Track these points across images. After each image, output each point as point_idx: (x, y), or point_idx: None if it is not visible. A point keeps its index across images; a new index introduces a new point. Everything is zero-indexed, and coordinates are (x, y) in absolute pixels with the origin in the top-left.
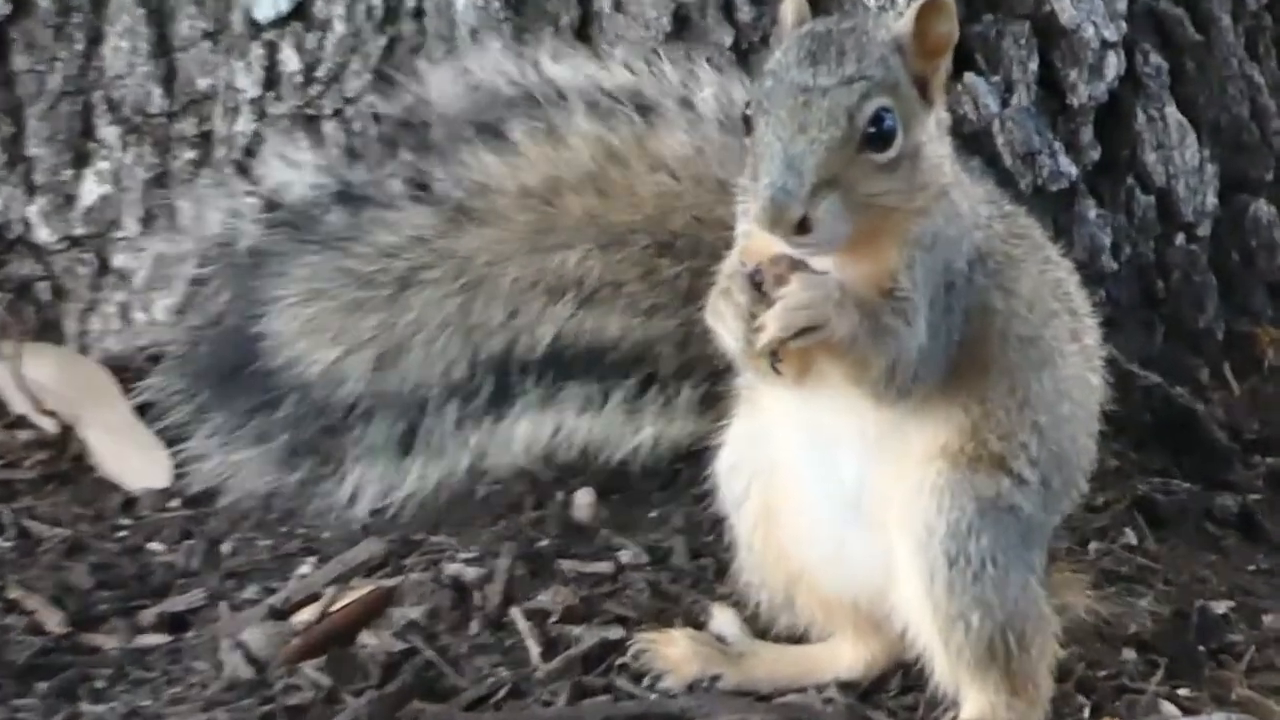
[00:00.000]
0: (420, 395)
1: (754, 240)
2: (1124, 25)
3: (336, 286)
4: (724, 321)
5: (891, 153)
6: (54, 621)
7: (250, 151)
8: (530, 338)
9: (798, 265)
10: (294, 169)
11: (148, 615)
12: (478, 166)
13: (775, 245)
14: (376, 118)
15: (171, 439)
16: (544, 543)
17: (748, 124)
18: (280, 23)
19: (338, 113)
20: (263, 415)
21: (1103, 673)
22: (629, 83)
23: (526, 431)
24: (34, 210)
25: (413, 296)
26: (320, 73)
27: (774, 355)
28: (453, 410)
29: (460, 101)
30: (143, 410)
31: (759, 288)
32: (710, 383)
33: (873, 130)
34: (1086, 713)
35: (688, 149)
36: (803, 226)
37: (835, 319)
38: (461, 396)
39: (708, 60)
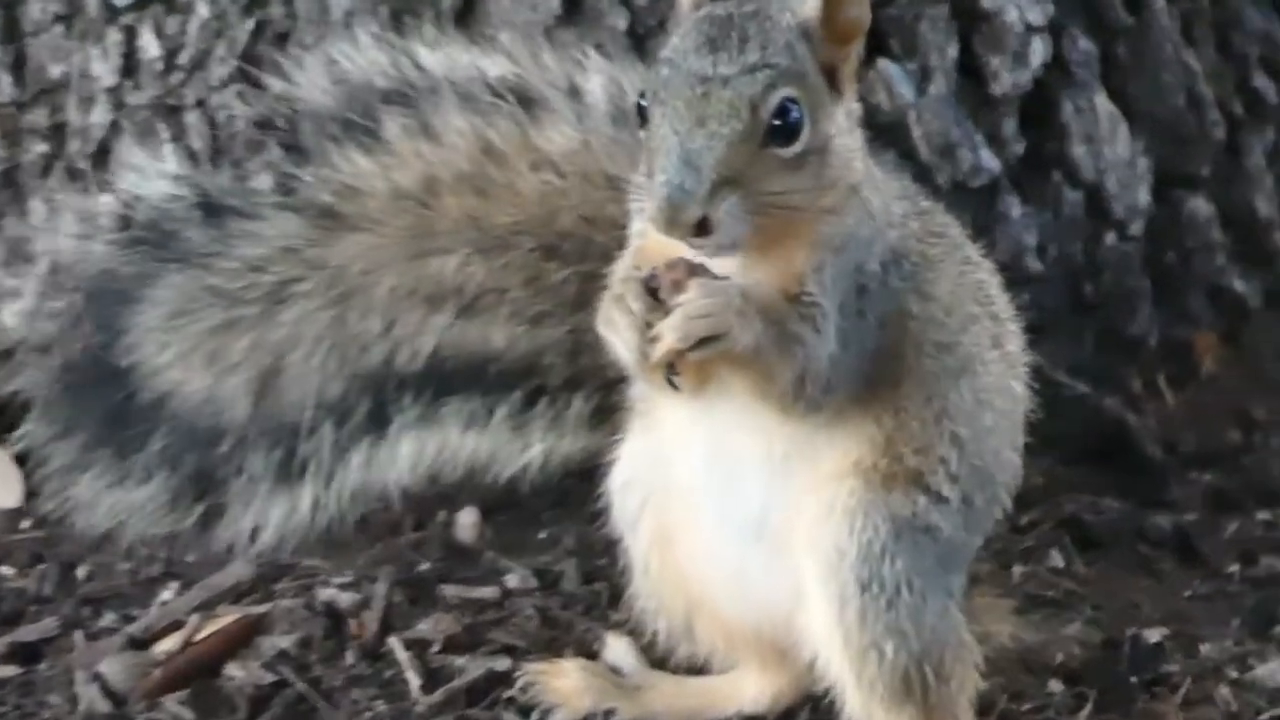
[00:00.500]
0: (296, 418)
1: (649, 241)
2: (1050, 8)
3: (203, 307)
4: (617, 331)
5: (798, 147)
6: None
7: (106, 147)
8: (409, 350)
9: (697, 269)
10: (149, 180)
11: None
12: (348, 168)
13: (672, 247)
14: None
15: (56, 488)
16: (424, 566)
17: (642, 116)
18: (139, 6)
19: (201, 103)
20: (141, 453)
21: (1027, 706)
22: (510, 73)
23: (409, 451)
24: None
25: (284, 312)
26: (182, 60)
27: (671, 367)
28: (329, 432)
29: (327, 97)
30: (22, 460)
31: (655, 294)
32: (603, 394)
33: (777, 123)
34: None
35: (574, 143)
36: (702, 228)
37: (738, 328)
38: (337, 417)
39: (597, 47)
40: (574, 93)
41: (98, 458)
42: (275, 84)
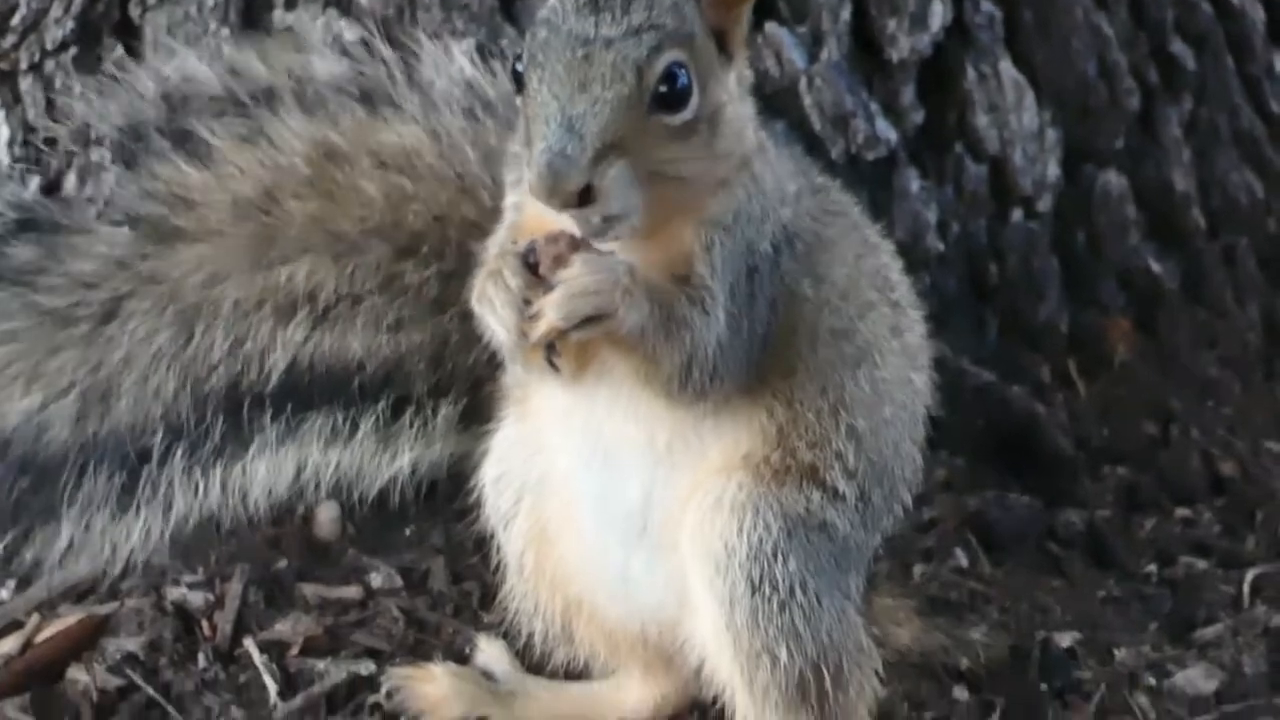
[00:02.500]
0: (140, 442)
1: (528, 214)
2: None
3: (27, 326)
4: (492, 308)
5: (686, 115)
6: None
7: None
8: (263, 366)
9: (579, 244)
10: None
11: None
12: (178, 179)
13: (552, 222)
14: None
15: None
16: (282, 564)
17: (519, 82)
18: None
19: (35, 67)
20: None
21: (930, 714)
22: (349, 70)
23: (267, 472)
24: None
25: (117, 330)
26: (15, 21)
27: (550, 348)
28: (179, 456)
29: (152, 109)
30: None
31: (534, 270)
32: (470, 396)
33: (664, 89)
34: None
35: (420, 140)
36: (585, 197)
37: (624, 308)
38: (189, 440)
39: (434, 36)
40: (415, 85)
41: None
42: (91, 97)
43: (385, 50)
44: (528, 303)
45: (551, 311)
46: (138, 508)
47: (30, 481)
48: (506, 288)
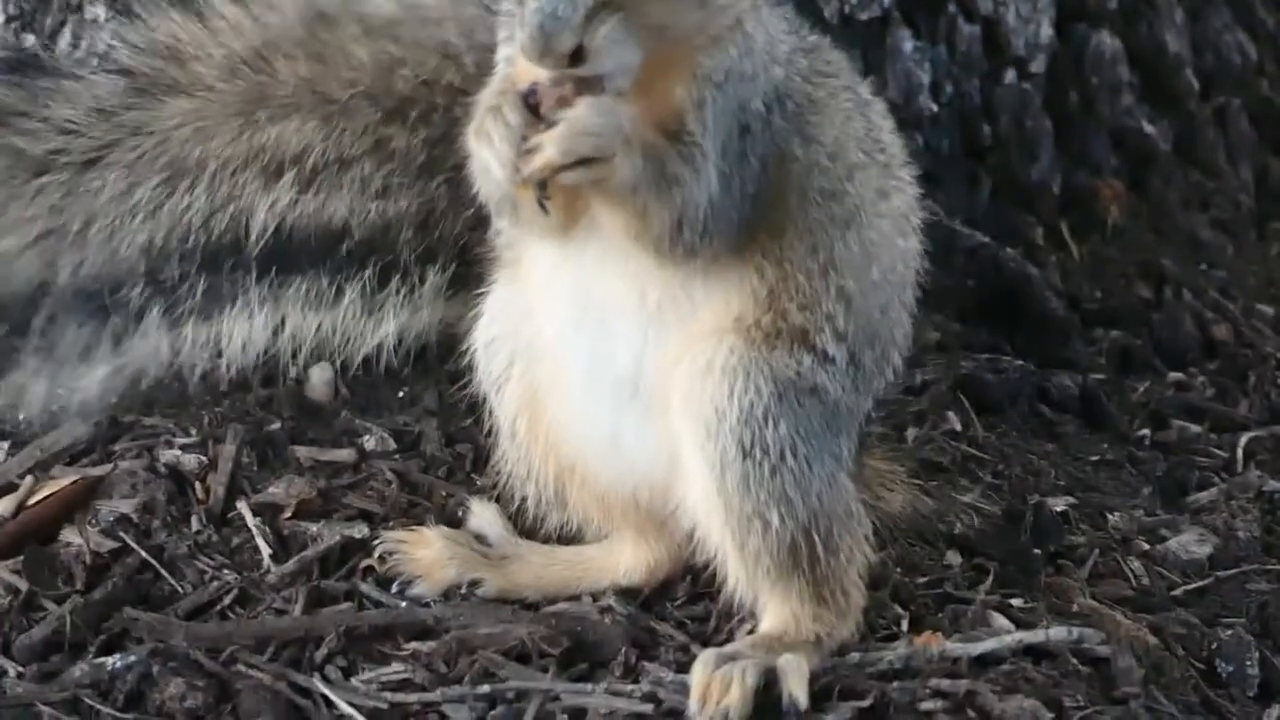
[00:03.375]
0: (118, 293)
1: (520, 67)
2: None
3: (3, 168)
4: (489, 143)
5: None
6: None
7: None
8: (245, 226)
9: (582, 90)
10: None
11: None
12: (168, 31)
13: (543, 78)
14: None
15: None
16: (275, 426)
17: None
18: None
19: None
20: None
21: (923, 579)
22: None
23: (246, 331)
24: None
25: (97, 179)
26: None
27: (543, 188)
28: (156, 310)
29: None
30: None
31: (534, 111)
32: (458, 263)
33: None
34: (904, 625)
35: (399, 9)
36: (576, 56)
37: (621, 155)
38: (167, 295)
39: None
40: None
41: None
42: None
43: None
44: (525, 140)
45: (550, 146)
46: (107, 356)
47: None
48: (506, 124)
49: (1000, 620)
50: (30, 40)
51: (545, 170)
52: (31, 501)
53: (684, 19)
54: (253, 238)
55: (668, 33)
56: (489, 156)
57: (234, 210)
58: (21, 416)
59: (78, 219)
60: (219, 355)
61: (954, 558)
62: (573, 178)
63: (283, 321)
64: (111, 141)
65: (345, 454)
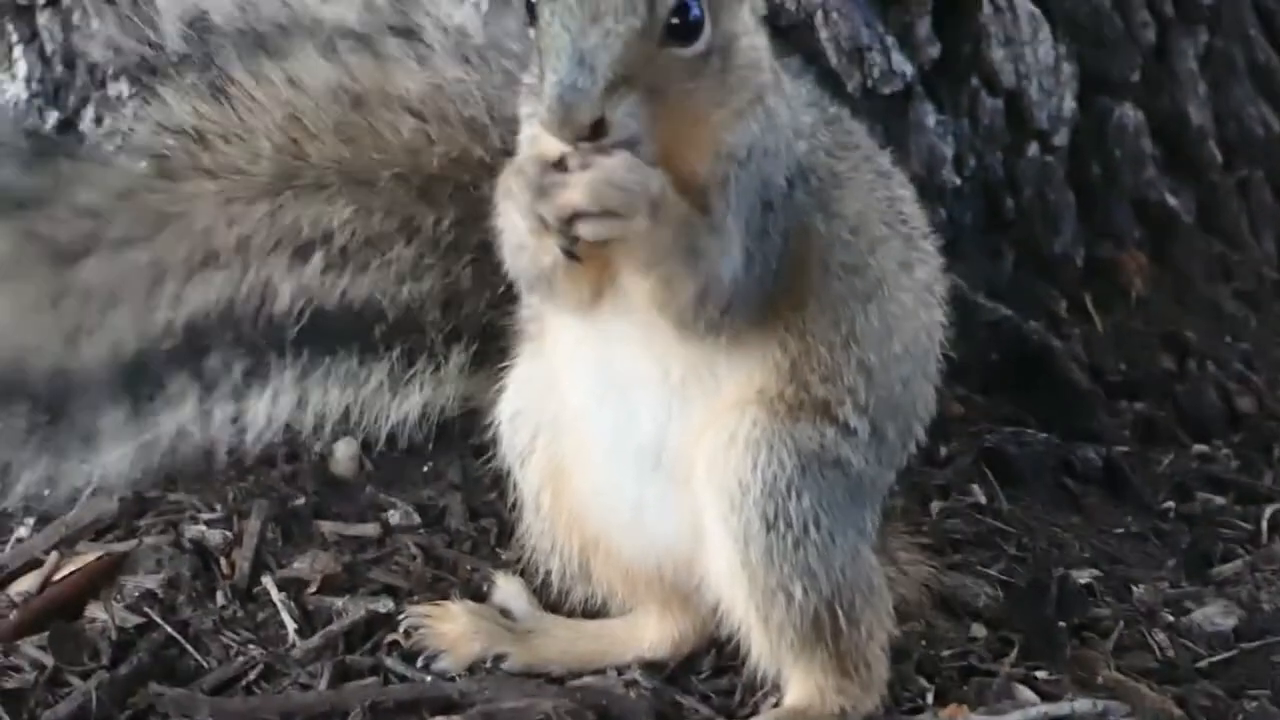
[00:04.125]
0: (148, 378)
1: (543, 145)
2: None
3: (28, 259)
4: (513, 196)
5: (699, 46)
6: None
7: None
8: (275, 307)
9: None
10: None
11: None
12: (194, 114)
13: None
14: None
15: None
16: (300, 501)
17: (532, 14)
18: None
19: (54, 1)
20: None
21: (947, 652)
22: (349, 18)
23: (271, 410)
24: None
25: (124, 265)
26: None
27: (566, 235)
28: (188, 394)
29: (167, 42)
30: None
31: (563, 168)
32: (482, 341)
33: (676, 20)
34: (929, 698)
35: (425, 86)
36: (597, 130)
37: (645, 217)
38: (198, 378)
39: None
40: (409, 33)
41: None
42: (121, 24)
43: (380, 2)
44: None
45: (577, 189)
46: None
47: (23, 413)
48: (529, 176)
49: (1025, 693)
50: (54, 116)
51: (567, 209)
52: (57, 577)
53: (704, 95)
54: (282, 320)
55: (688, 107)
56: (513, 210)
57: (264, 293)
58: (47, 492)
59: (107, 305)
60: (245, 433)
61: (979, 630)
62: (594, 229)
63: (311, 400)
64: (136, 227)
65: (370, 528)
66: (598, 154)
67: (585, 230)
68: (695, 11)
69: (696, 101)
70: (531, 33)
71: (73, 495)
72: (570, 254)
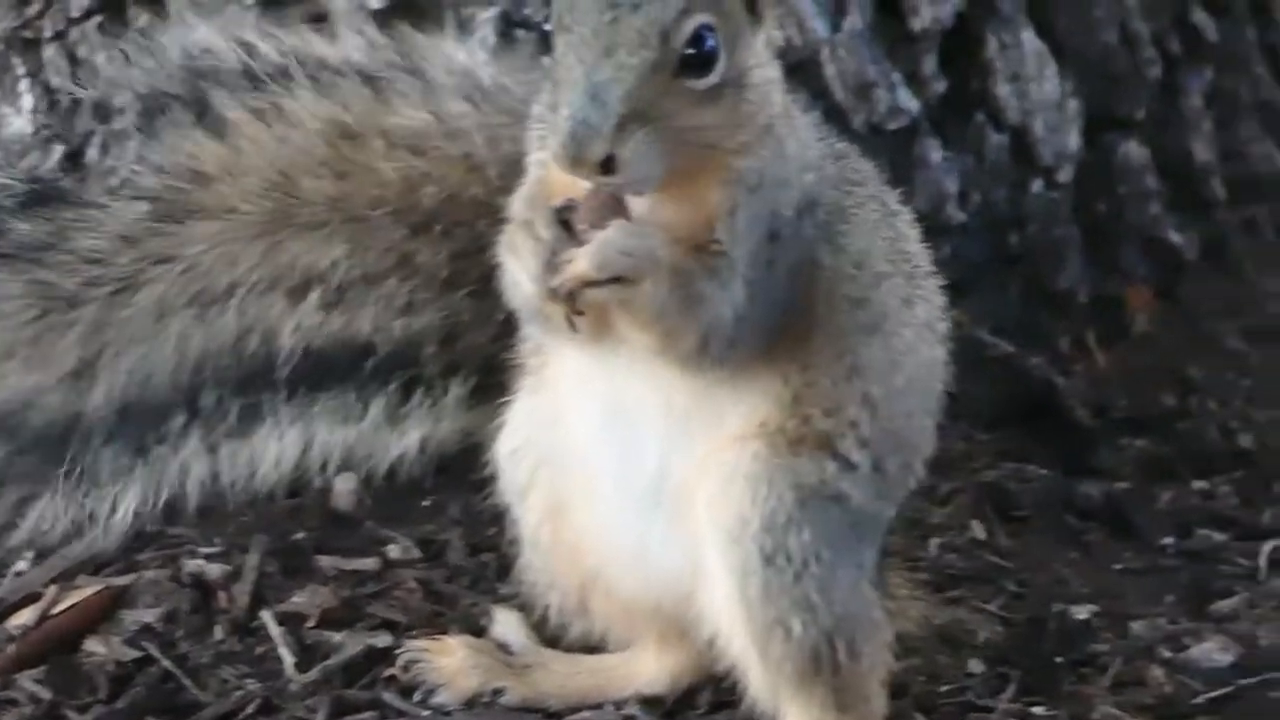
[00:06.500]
0: (151, 421)
1: (552, 174)
2: None
3: (32, 304)
4: (520, 256)
5: (713, 79)
6: None
7: None
8: (274, 346)
9: (620, 203)
10: None
11: None
12: (193, 153)
13: (575, 184)
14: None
15: None
16: (299, 535)
17: (548, 43)
18: None
19: (59, 35)
20: None
21: (945, 687)
22: (350, 55)
23: (276, 450)
24: None
25: (126, 310)
26: None
27: (572, 303)
28: (190, 437)
29: (169, 79)
30: None
31: (567, 226)
32: (481, 375)
33: (691, 52)
34: None
35: (425, 122)
36: (608, 166)
37: (651, 281)
38: (200, 420)
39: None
40: (415, 71)
41: None
42: (117, 66)
43: (381, 39)
44: (555, 254)
45: (584, 259)
46: (139, 482)
47: (27, 455)
48: (538, 238)
49: None
50: (59, 150)
51: (575, 282)
52: (55, 611)
53: (716, 128)
54: (281, 358)
55: (699, 139)
56: (519, 271)
57: (262, 331)
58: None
59: (109, 350)
60: (253, 473)
61: (977, 666)
62: (601, 295)
63: (311, 437)
64: (139, 271)
65: (369, 563)
66: (595, 222)
67: (592, 297)
68: (710, 43)
69: (709, 133)
70: (546, 61)
71: (72, 529)
72: (573, 319)
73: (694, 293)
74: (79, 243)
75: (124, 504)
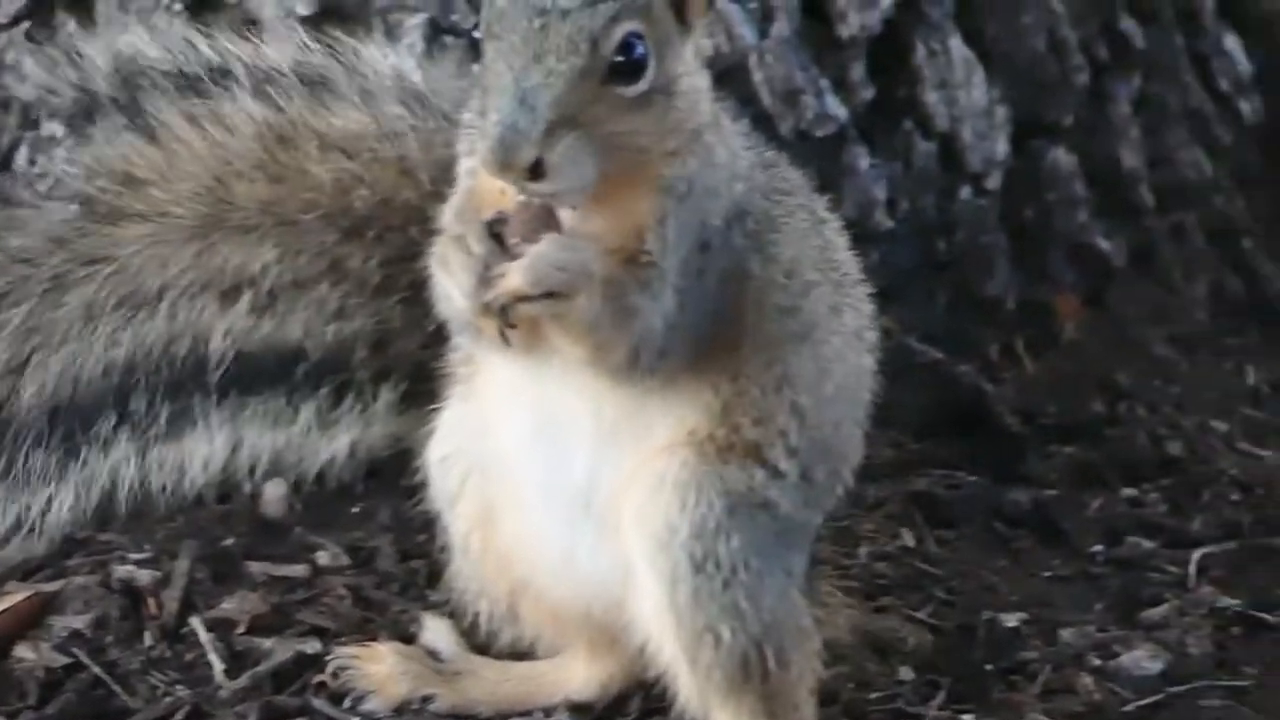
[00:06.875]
0: (80, 423)
1: (481, 183)
2: None
3: None
4: (451, 272)
5: (642, 86)
6: None
7: None
8: (205, 350)
9: (551, 215)
10: None
11: None
12: (124, 156)
13: (504, 191)
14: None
15: None
16: (229, 541)
17: (477, 49)
18: None
19: None
20: None
21: (875, 695)
22: (288, 58)
23: (202, 455)
24: None
25: (56, 311)
26: None
27: (505, 318)
28: (120, 439)
29: (99, 83)
30: None
31: (499, 239)
32: (411, 380)
33: (620, 59)
34: None
35: (362, 126)
36: (536, 171)
37: (585, 295)
38: (130, 422)
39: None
40: (349, 75)
41: None
42: (46, 69)
43: (316, 44)
44: (487, 267)
45: (517, 275)
46: (70, 484)
47: None
48: (469, 252)
49: None
50: None
51: (508, 297)
52: None
53: (645, 134)
54: (212, 362)
55: (628, 146)
56: (451, 286)
57: (193, 335)
58: None
59: (40, 351)
60: (182, 477)
61: (906, 673)
62: (535, 310)
63: (241, 440)
64: (69, 271)
65: (299, 569)
66: (526, 235)
67: (524, 311)
68: (639, 51)
69: (638, 140)
70: (475, 68)
71: (2, 535)
72: (505, 334)
73: (626, 305)
74: (8, 242)
75: (54, 507)
